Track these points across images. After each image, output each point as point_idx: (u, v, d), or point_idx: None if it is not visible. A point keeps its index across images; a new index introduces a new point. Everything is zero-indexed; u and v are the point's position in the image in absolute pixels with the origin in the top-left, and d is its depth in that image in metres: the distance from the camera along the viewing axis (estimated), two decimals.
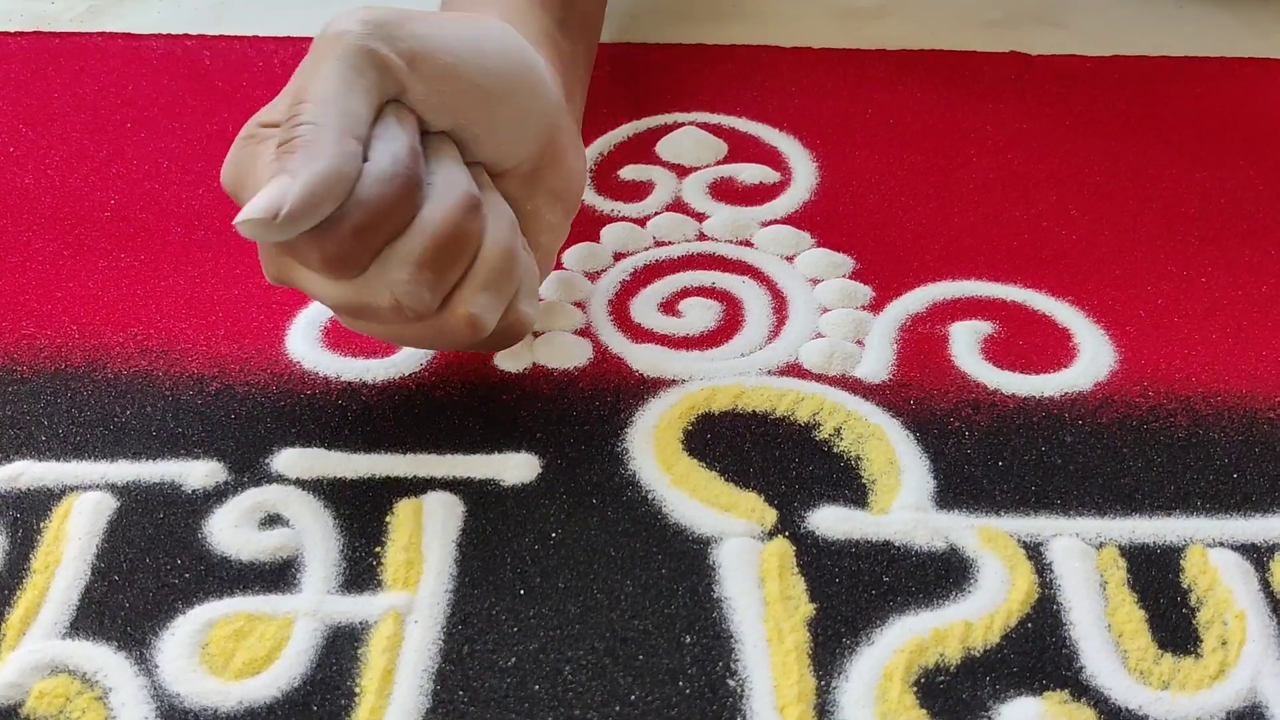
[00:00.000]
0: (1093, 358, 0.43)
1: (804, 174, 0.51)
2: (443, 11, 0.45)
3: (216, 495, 0.38)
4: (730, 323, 0.44)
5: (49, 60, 0.59)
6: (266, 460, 0.39)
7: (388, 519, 0.37)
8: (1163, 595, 0.35)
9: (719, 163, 0.52)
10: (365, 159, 0.34)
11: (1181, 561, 0.36)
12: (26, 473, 0.39)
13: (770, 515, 0.37)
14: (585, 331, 0.44)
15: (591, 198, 0.50)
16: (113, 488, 0.38)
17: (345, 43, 0.35)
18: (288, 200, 0.33)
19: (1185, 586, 0.36)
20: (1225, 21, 0.62)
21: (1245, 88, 0.57)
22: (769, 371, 0.42)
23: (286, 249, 0.35)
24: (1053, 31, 0.61)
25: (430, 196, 0.35)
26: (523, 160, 0.39)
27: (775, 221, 0.49)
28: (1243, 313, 0.45)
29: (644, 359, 0.43)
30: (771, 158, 0.52)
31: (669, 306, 0.45)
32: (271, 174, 0.34)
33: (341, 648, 0.34)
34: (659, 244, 0.48)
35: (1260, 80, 0.57)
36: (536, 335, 0.43)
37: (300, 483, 0.38)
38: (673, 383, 0.42)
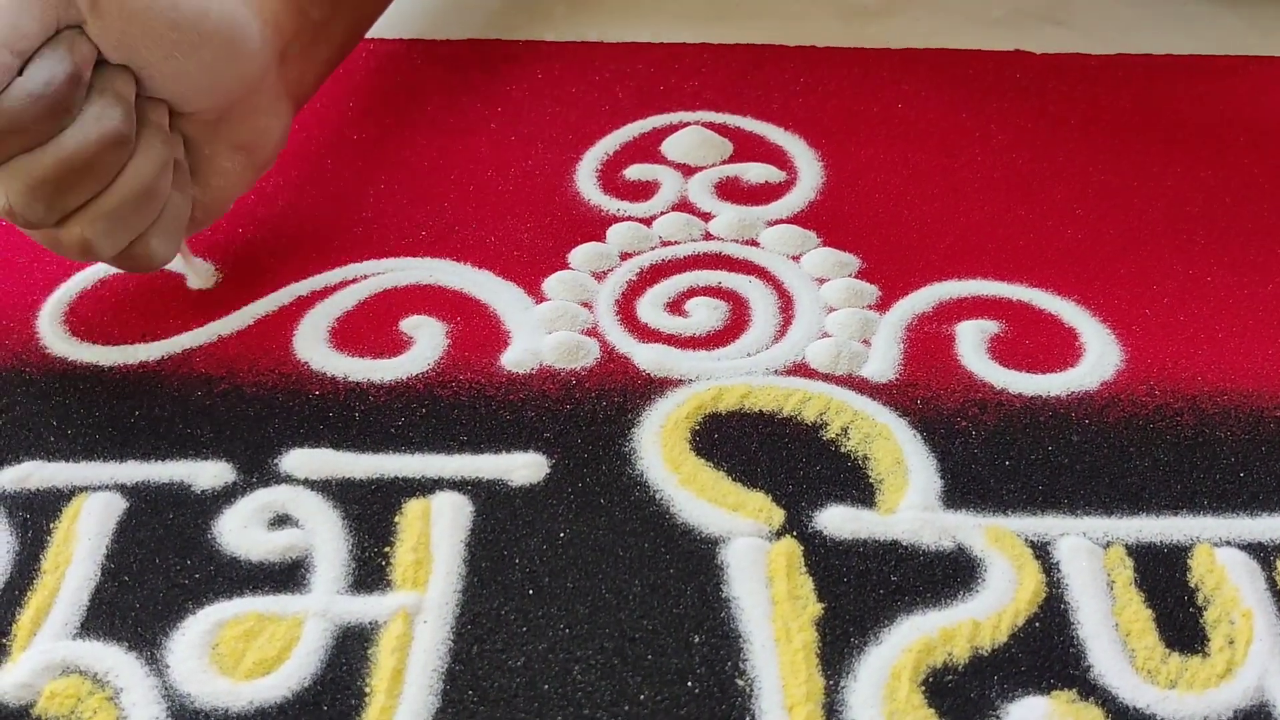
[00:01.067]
0: (1099, 357, 0.43)
1: (809, 173, 0.51)
2: None
3: (226, 495, 0.38)
4: (737, 322, 0.44)
5: None
6: (275, 460, 0.39)
7: (396, 519, 0.37)
8: (1170, 594, 0.36)
9: (724, 162, 0.52)
10: (20, 74, 0.36)
11: (1188, 560, 0.36)
12: (36, 473, 0.39)
13: (778, 515, 0.38)
14: (592, 331, 0.44)
15: (597, 198, 0.50)
16: (122, 488, 0.38)
17: None
18: None
19: (1192, 585, 0.36)
20: (1230, 20, 0.62)
21: (1250, 86, 0.57)
22: (776, 371, 0.42)
23: None
24: (1057, 30, 0.61)
25: (77, 124, 0.37)
26: (206, 108, 0.41)
27: (781, 221, 0.49)
28: (1249, 312, 0.45)
29: (651, 359, 0.43)
30: (777, 157, 0.52)
31: (675, 306, 0.45)
32: None
33: (351, 648, 0.34)
34: (665, 244, 0.48)
35: (1265, 79, 0.57)
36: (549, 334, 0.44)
37: (309, 483, 0.39)
38: (680, 382, 0.42)
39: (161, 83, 0.39)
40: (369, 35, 0.59)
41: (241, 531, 0.37)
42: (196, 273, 0.46)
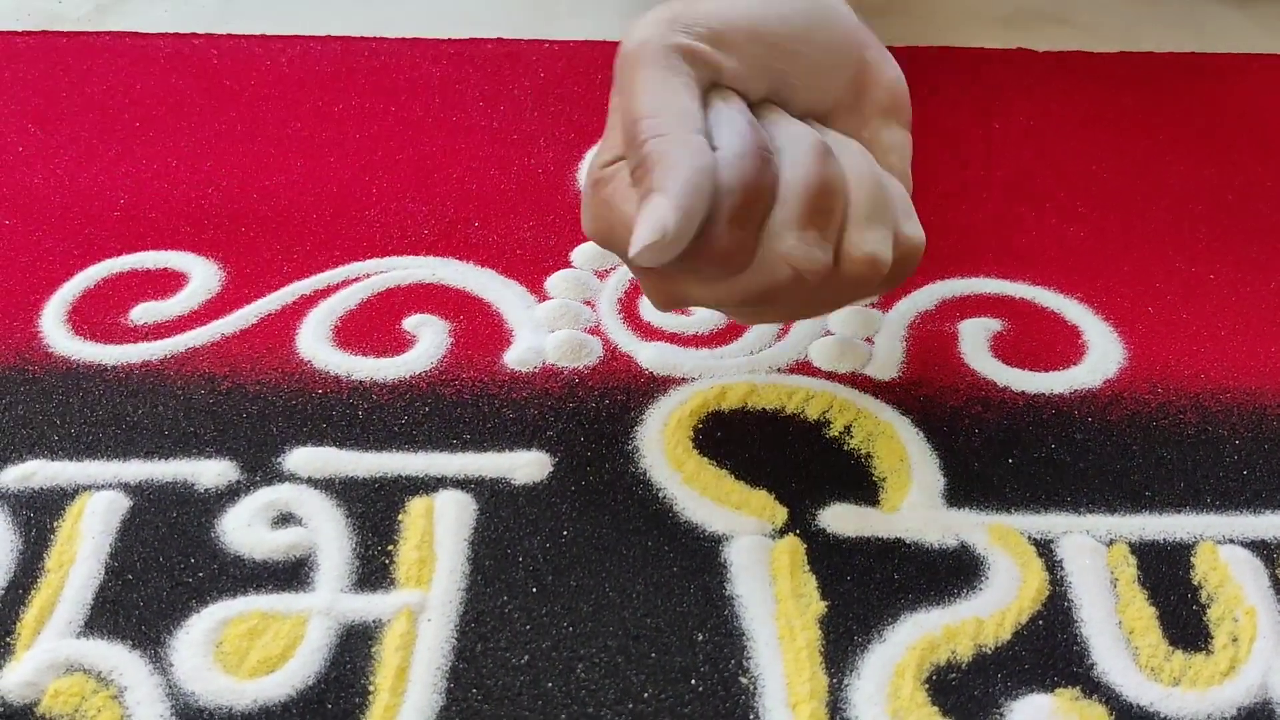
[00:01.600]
0: (1102, 355, 0.43)
1: None
2: None
3: (229, 494, 0.38)
4: None
5: (57, 59, 0.59)
6: (278, 459, 0.39)
7: (400, 517, 0.38)
8: (1173, 592, 0.36)
9: None
10: (712, 149, 0.34)
11: (1192, 558, 0.36)
12: (39, 472, 0.39)
13: (781, 513, 0.38)
14: (595, 330, 0.44)
15: None
16: (125, 487, 0.38)
17: (650, 49, 0.35)
18: (668, 216, 0.32)
19: (1195, 583, 0.36)
20: (1234, 18, 0.62)
21: (1254, 84, 0.57)
22: (779, 369, 0.42)
23: (678, 266, 0.34)
24: (1060, 28, 0.61)
25: (783, 159, 0.35)
26: (842, 93, 0.38)
27: None
28: (1252, 310, 0.45)
29: (653, 357, 0.43)
30: None
31: None
32: (640, 200, 0.33)
33: (355, 646, 0.34)
34: None
35: (1269, 77, 0.57)
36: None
37: (312, 481, 0.39)
38: (683, 381, 0.42)
39: (799, 90, 0.37)
40: (371, 34, 0.60)
41: (245, 530, 0.37)
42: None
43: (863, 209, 0.35)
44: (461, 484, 0.38)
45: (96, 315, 0.45)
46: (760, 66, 0.36)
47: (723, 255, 0.34)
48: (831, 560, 0.36)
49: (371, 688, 0.33)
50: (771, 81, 0.37)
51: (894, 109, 0.39)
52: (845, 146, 0.36)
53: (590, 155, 0.37)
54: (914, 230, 0.37)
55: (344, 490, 0.38)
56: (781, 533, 0.37)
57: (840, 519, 0.37)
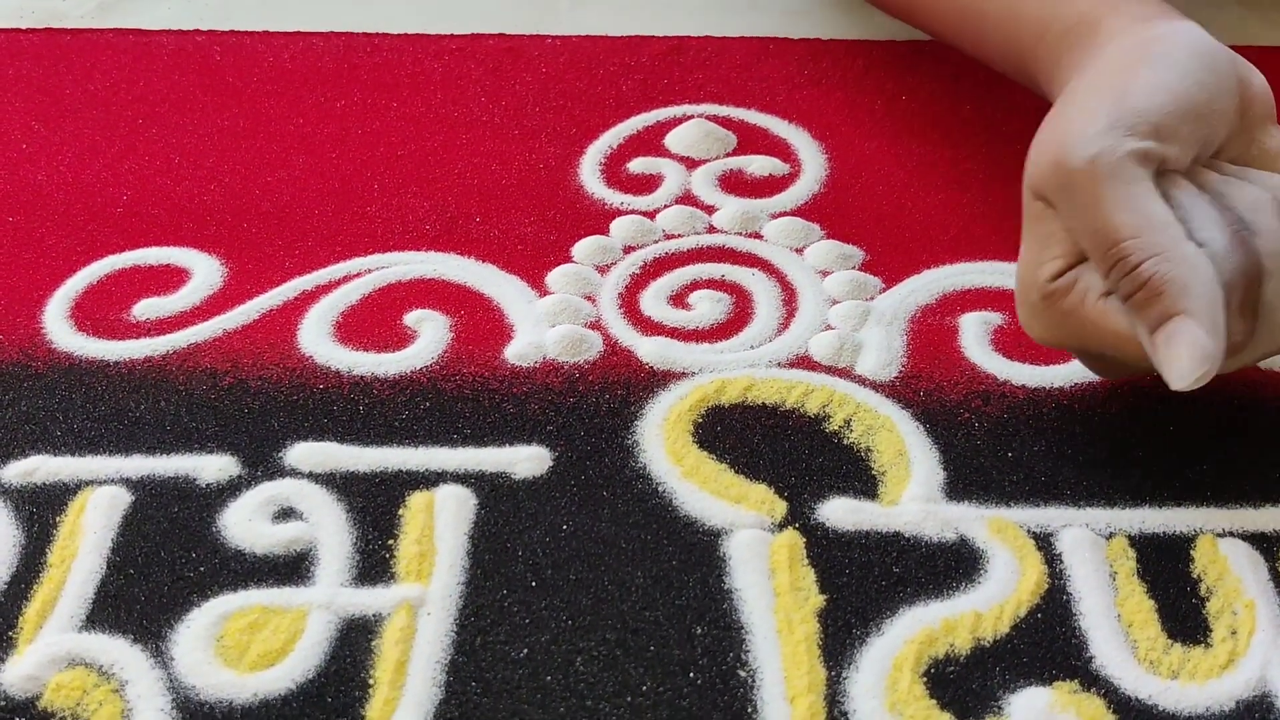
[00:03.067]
0: None
1: (813, 166, 0.51)
2: (1119, 50, 0.40)
3: (230, 489, 0.38)
4: (740, 315, 0.44)
5: (60, 57, 0.59)
6: (279, 454, 0.39)
7: (400, 512, 0.38)
8: (1172, 585, 0.36)
9: (728, 155, 0.52)
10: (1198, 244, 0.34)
11: (1191, 551, 0.36)
12: (42, 467, 0.39)
13: (780, 507, 0.38)
14: (595, 325, 0.44)
15: (601, 191, 0.50)
16: (127, 482, 0.39)
17: (1106, 164, 0.35)
18: (1208, 344, 0.33)
19: (1195, 576, 0.36)
20: (1235, 10, 0.61)
21: None
22: (779, 364, 0.42)
23: None
24: None
25: (1255, 229, 0.35)
26: (1234, 123, 0.38)
27: (785, 213, 0.49)
28: None
29: (654, 352, 0.43)
30: (781, 149, 0.52)
31: (679, 299, 0.45)
32: (1158, 327, 0.33)
33: (355, 640, 0.34)
34: (668, 237, 0.48)
35: (1270, 69, 0.57)
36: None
37: (313, 476, 0.39)
38: (682, 375, 0.42)
39: (1211, 142, 0.37)
40: (372, 30, 0.60)
41: (246, 525, 0.37)
42: None
43: None
44: (461, 478, 0.39)
45: (99, 311, 0.45)
46: (1195, 140, 0.36)
47: (1235, 348, 0.34)
48: (830, 554, 0.36)
49: (371, 681, 0.33)
50: (1198, 151, 0.37)
51: (1269, 115, 0.39)
52: (1261, 182, 0.36)
53: (1019, 265, 0.38)
54: None
55: (344, 485, 0.38)
56: (781, 526, 0.37)
57: (839, 513, 0.37)
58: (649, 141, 0.53)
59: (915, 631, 0.34)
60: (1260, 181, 0.37)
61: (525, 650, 0.34)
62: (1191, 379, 0.33)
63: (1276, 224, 0.35)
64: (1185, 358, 0.33)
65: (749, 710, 0.33)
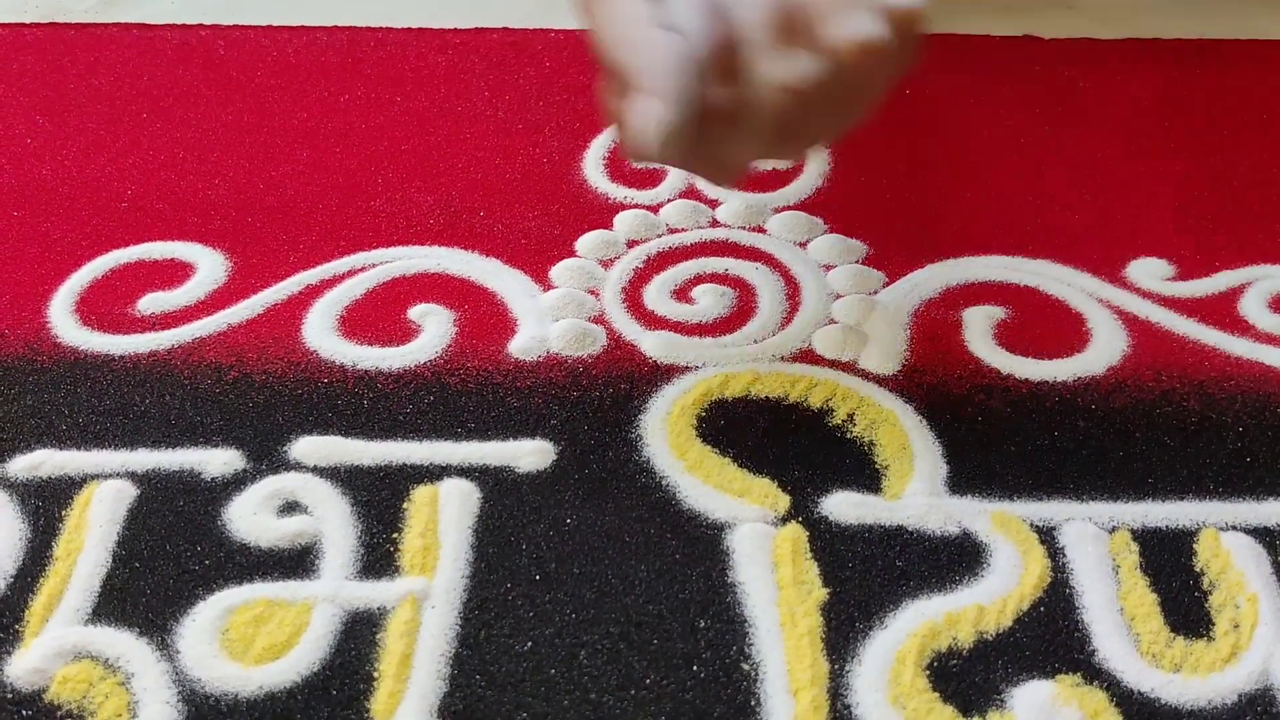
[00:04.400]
0: (1106, 342, 0.43)
1: (817, 160, 0.51)
2: None
3: (235, 483, 0.38)
4: (743, 309, 0.44)
5: (64, 51, 0.59)
6: (284, 448, 0.40)
7: (405, 505, 0.38)
8: (1175, 579, 0.36)
9: None
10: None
11: (1194, 545, 0.36)
12: (48, 461, 0.39)
13: (783, 501, 0.38)
14: (599, 319, 0.44)
15: (604, 185, 0.50)
16: (133, 476, 0.39)
17: None
18: (658, 106, 0.34)
19: (1198, 570, 0.36)
20: (1241, 4, 0.61)
21: (1259, 70, 0.57)
22: (782, 358, 0.42)
23: (698, 141, 0.35)
24: (1067, 15, 0.61)
25: (736, 2, 0.36)
26: None
27: (788, 208, 0.49)
28: None
29: (657, 346, 0.43)
30: None
31: (682, 293, 0.45)
32: (629, 107, 0.35)
33: (360, 633, 0.34)
34: (672, 231, 0.48)
35: (1274, 62, 0.57)
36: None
37: (318, 470, 0.39)
38: (686, 369, 0.42)
39: None
40: (376, 25, 0.60)
41: (251, 518, 0.37)
42: None
43: (829, 2, 0.35)
44: (466, 472, 0.39)
45: (104, 306, 0.45)
46: None
47: (724, 112, 0.35)
48: (833, 547, 0.36)
49: (376, 674, 0.33)
50: None
51: None
52: None
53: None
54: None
55: (349, 478, 0.39)
56: (784, 520, 0.37)
57: (842, 507, 0.38)
58: None
59: (918, 625, 0.34)
60: None
61: (529, 643, 0.34)
62: (644, 143, 0.34)
63: None
64: (637, 125, 0.34)
65: (752, 703, 0.33)
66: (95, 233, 0.48)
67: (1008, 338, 0.43)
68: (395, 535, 0.37)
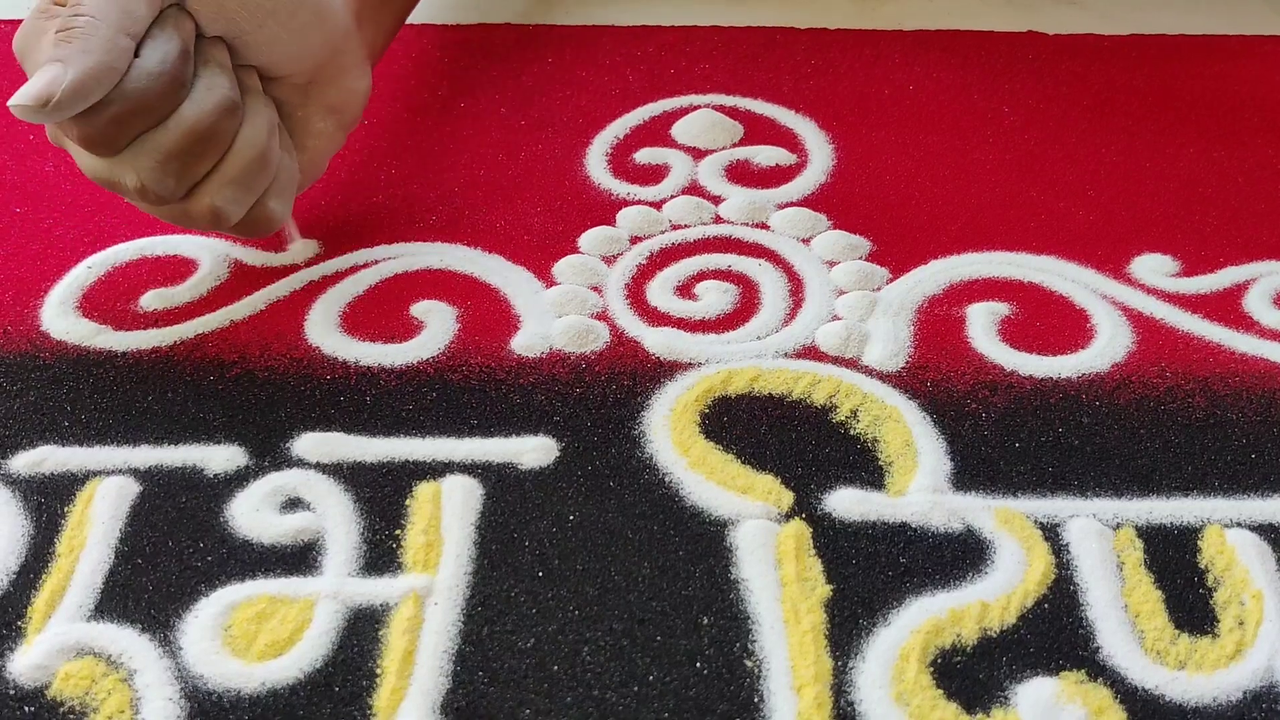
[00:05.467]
0: (1110, 338, 0.43)
1: (820, 156, 0.51)
2: None
3: (238, 479, 0.38)
4: (746, 305, 0.44)
5: None
6: (287, 444, 0.39)
7: (407, 502, 0.38)
8: (1180, 575, 0.36)
9: (735, 145, 0.52)
10: (137, 55, 0.38)
11: (1199, 542, 0.36)
12: (50, 458, 0.39)
13: (787, 497, 0.38)
14: (602, 315, 0.44)
15: (608, 181, 0.50)
16: (135, 472, 0.39)
17: None
18: (58, 89, 0.36)
19: (1202, 567, 0.36)
20: (1257, 3, 0.61)
21: (1264, 66, 0.56)
22: (785, 354, 0.42)
23: (60, 129, 0.39)
24: (1070, 10, 0.61)
25: (191, 96, 0.39)
26: (297, 72, 0.43)
27: (791, 204, 0.49)
28: None
29: (660, 342, 0.43)
30: (788, 140, 0.52)
31: (685, 290, 0.45)
32: (48, 58, 0.36)
33: (362, 629, 0.34)
34: (675, 227, 0.48)
35: (1279, 58, 0.57)
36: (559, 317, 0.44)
37: (320, 466, 0.39)
38: (689, 366, 0.42)
39: (255, 50, 0.41)
40: None
41: (253, 515, 0.37)
42: (297, 237, 0.47)
43: (234, 169, 0.40)
44: (468, 469, 0.39)
45: (106, 302, 0.45)
46: (223, 14, 0.40)
47: (88, 140, 0.38)
48: (837, 544, 0.36)
49: (378, 671, 0.33)
50: (228, 30, 0.40)
51: (340, 109, 0.45)
52: (257, 114, 0.41)
53: None
54: (277, 207, 0.42)
55: (352, 475, 0.39)
56: (787, 517, 0.37)
57: (846, 503, 0.37)
58: (656, 132, 0.53)
59: (922, 622, 0.34)
60: (255, 99, 0.41)
61: (532, 640, 0.34)
62: (22, 100, 0.36)
63: (207, 107, 0.39)
64: (35, 85, 0.36)
65: (755, 700, 0.33)
66: (97, 229, 0.48)
67: (1012, 334, 0.43)
68: (398, 532, 0.37)
